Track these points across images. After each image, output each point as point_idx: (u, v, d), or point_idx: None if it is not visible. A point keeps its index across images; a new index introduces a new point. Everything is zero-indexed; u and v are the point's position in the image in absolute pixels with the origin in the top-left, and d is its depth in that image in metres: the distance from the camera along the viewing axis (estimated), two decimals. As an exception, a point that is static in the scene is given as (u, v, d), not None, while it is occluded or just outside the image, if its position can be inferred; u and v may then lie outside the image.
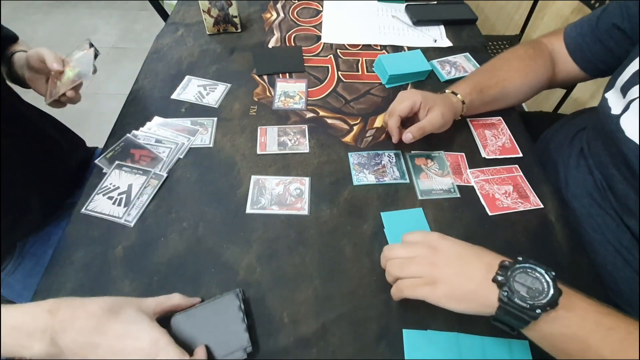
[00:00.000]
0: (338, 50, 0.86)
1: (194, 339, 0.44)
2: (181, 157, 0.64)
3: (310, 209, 0.58)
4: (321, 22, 0.94)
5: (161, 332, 0.40)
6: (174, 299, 0.45)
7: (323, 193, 0.60)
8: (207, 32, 0.88)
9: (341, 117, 0.72)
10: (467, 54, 0.84)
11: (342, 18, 0.95)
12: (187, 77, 0.78)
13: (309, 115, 0.72)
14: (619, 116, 0.54)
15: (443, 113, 0.60)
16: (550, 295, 0.37)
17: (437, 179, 0.62)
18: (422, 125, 0.60)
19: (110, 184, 0.59)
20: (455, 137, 0.68)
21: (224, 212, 0.57)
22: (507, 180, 0.62)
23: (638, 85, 0.52)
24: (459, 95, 0.64)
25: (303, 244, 0.54)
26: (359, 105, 0.74)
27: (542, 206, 0.59)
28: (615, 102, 0.56)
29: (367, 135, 0.69)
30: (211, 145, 0.66)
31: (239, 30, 0.89)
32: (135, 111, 0.71)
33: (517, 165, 0.64)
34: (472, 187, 0.61)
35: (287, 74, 0.80)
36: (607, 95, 0.59)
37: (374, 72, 0.81)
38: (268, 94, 0.76)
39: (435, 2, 0.99)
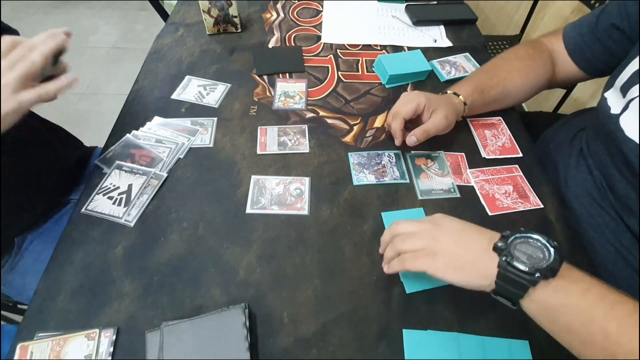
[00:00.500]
0: (338, 50, 0.86)
1: (194, 349, 0.43)
2: (181, 157, 0.64)
3: (310, 209, 0.58)
4: (321, 22, 0.94)
5: None
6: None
7: (323, 193, 0.60)
8: (207, 32, 0.88)
9: (341, 117, 0.72)
10: (467, 54, 0.84)
11: (342, 18, 0.95)
12: (187, 77, 0.78)
13: (309, 115, 0.72)
14: (618, 115, 0.54)
15: (447, 115, 0.60)
16: (551, 260, 0.36)
17: (437, 179, 0.62)
18: (426, 128, 0.60)
19: (110, 184, 0.59)
20: (455, 137, 0.68)
21: (224, 212, 0.57)
22: (507, 180, 0.62)
23: (638, 85, 0.52)
24: (461, 97, 0.64)
25: (303, 244, 0.54)
26: (359, 105, 0.74)
27: (542, 206, 0.59)
28: (614, 101, 0.56)
29: (367, 135, 0.69)
30: (211, 145, 0.66)
31: (239, 30, 0.89)
32: (135, 111, 0.71)
33: (517, 165, 0.64)
34: (472, 187, 0.61)
35: (287, 74, 0.80)
36: (606, 94, 0.59)
37: (374, 72, 0.81)
38: (268, 94, 0.76)
39: (435, 2, 0.99)
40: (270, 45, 0.86)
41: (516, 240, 0.39)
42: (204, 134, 0.67)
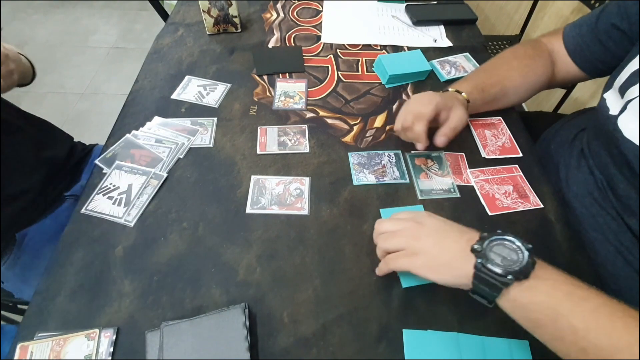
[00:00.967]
0: (338, 50, 0.86)
1: (194, 349, 0.43)
2: (181, 157, 0.64)
3: (310, 209, 0.58)
4: (321, 22, 0.94)
5: None
6: None
7: (323, 193, 0.60)
8: (207, 32, 0.88)
9: (341, 117, 0.72)
10: (467, 54, 0.84)
11: (342, 18, 0.95)
12: (187, 77, 0.78)
13: (309, 115, 0.72)
14: (616, 116, 0.54)
15: (464, 110, 0.60)
16: (524, 264, 0.38)
17: (437, 179, 0.62)
18: (454, 125, 0.59)
19: (110, 184, 0.59)
20: (455, 137, 0.67)
21: (224, 212, 0.57)
22: (507, 180, 0.62)
23: (636, 85, 0.52)
24: (463, 94, 0.64)
25: (303, 244, 0.54)
26: (359, 105, 0.74)
27: (542, 206, 0.59)
28: (613, 102, 0.56)
29: (367, 135, 0.69)
30: (211, 145, 0.66)
31: (239, 30, 0.89)
32: (135, 111, 0.71)
33: (517, 165, 0.64)
34: (472, 187, 0.61)
35: (287, 74, 0.80)
36: (605, 95, 0.59)
37: (374, 72, 0.81)
38: (268, 94, 0.76)
39: (435, 2, 0.99)
40: (270, 45, 0.86)
41: (492, 242, 0.40)
42: (204, 134, 0.67)
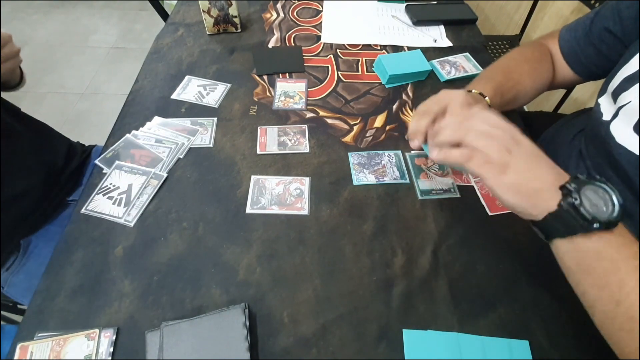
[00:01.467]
0: (338, 50, 0.86)
1: (194, 349, 0.43)
2: (181, 157, 0.64)
3: (310, 209, 0.58)
4: (321, 22, 0.94)
5: None
6: None
7: (323, 193, 0.60)
8: (207, 32, 0.88)
9: (341, 117, 0.72)
10: (467, 54, 0.84)
11: (342, 18, 0.95)
12: (187, 77, 0.78)
13: (309, 115, 0.72)
14: (609, 122, 0.54)
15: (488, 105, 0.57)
16: (614, 216, 0.36)
17: (437, 179, 0.62)
18: None
19: (110, 184, 0.59)
20: (455, 137, 0.68)
21: (224, 212, 0.57)
22: (507, 180, 0.62)
23: (628, 91, 0.52)
24: (487, 99, 0.60)
25: (303, 244, 0.54)
26: (359, 105, 0.74)
27: (542, 206, 0.59)
28: (606, 107, 0.57)
29: (367, 135, 0.69)
30: (211, 145, 0.66)
31: (239, 30, 0.89)
32: (135, 111, 0.71)
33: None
34: (472, 187, 0.61)
35: (287, 74, 0.80)
36: (600, 100, 0.59)
37: (374, 72, 0.81)
38: (268, 94, 0.76)
39: (435, 2, 0.99)
40: (270, 45, 0.86)
41: (587, 185, 0.38)
42: (204, 134, 0.67)
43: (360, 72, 0.81)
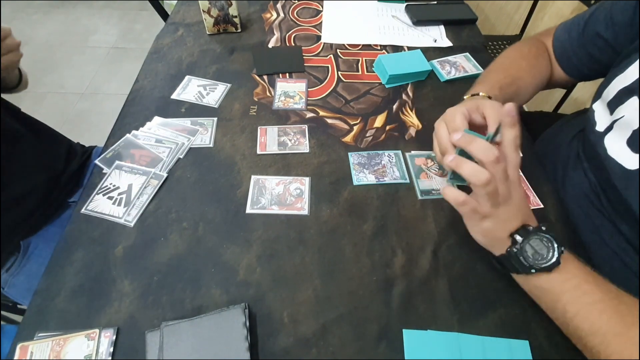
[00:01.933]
0: (338, 50, 0.86)
1: (194, 349, 0.43)
2: (181, 157, 0.64)
3: (310, 209, 0.58)
4: (321, 22, 0.94)
5: None
6: None
7: (323, 193, 0.60)
8: (207, 32, 0.88)
9: (341, 117, 0.72)
10: (467, 54, 0.84)
11: (342, 18, 0.95)
12: (187, 77, 0.78)
13: (309, 115, 0.72)
14: (602, 134, 0.55)
15: (492, 101, 0.56)
16: (550, 263, 0.42)
17: (437, 179, 0.62)
18: (495, 117, 0.51)
19: (110, 184, 0.59)
20: (455, 137, 0.67)
21: (224, 212, 0.57)
22: (507, 180, 0.62)
23: (624, 105, 0.53)
24: (481, 93, 0.60)
25: (303, 244, 0.54)
26: (359, 105, 0.74)
27: (542, 206, 0.59)
28: (601, 116, 0.57)
29: (367, 135, 0.69)
30: (211, 145, 0.66)
31: (239, 30, 0.89)
32: (135, 111, 0.71)
33: (517, 165, 0.64)
34: (472, 187, 0.61)
35: (287, 74, 0.80)
36: (594, 106, 0.59)
37: (374, 72, 0.81)
38: (268, 94, 0.76)
39: (435, 2, 0.99)
40: (270, 45, 0.86)
41: (531, 236, 0.44)
42: (204, 134, 0.67)
43: (360, 72, 0.81)
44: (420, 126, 0.71)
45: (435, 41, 0.88)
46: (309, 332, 0.46)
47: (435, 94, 0.77)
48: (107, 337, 0.45)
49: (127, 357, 0.44)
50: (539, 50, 0.68)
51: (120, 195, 0.58)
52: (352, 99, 0.76)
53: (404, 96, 0.76)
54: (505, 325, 0.47)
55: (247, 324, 0.45)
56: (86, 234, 0.54)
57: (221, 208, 0.58)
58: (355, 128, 0.70)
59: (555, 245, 0.43)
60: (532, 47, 0.69)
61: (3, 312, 0.81)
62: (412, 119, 0.72)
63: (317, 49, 0.86)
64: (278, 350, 0.45)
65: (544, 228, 0.44)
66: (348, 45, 0.88)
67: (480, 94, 0.61)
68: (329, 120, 0.71)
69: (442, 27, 0.93)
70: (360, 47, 0.87)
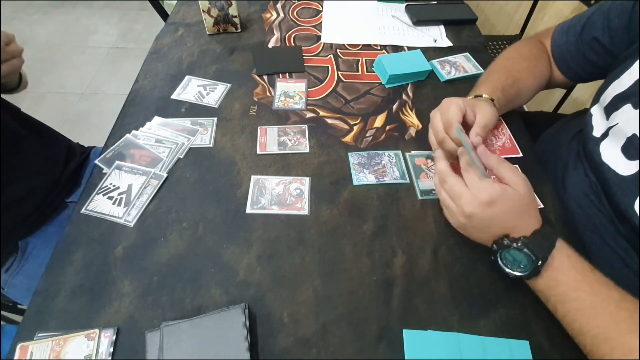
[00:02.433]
0: (338, 50, 0.86)
1: (194, 349, 0.43)
2: (181, 157, 0.64)
3: (310, 209, 0.58)
4: (321, 22, 0.94)
5: None
6: None
7: (323, 193, 0.60)
8: (207, 32, 0.88)
9: (341, 117, 0.72)
10: (467, 54, 0.84)
11: (342, 18, 0.95)
12: (187, 77, 0.78)
13: (309, 115, 0.72)
14: (599, 139, 0.56)
15: (490, 107, 0.58)
16: (526, 273, 0.46)
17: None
18: (483, 123, 0.56)
19: (110, 184, 0.59)
20: (455, 137, 0.68)
21: (224, 212, 0.57)
22: (507, 180, 0.62)
23: (619, 111, 0.53)
24: (484, 95, 0.61)
25: (303, 244, 0.54)
26: (359, 105, 0.74)
27: (542, 206, 0.59)
28: (598, 121, 0.57)
29: (367, 135, 0.69)
30: (211, 145, 0.66)
31: (239, 30, 0.89)
32: (135, 111, 0.71)
33: (517, 165, 0.64)
34: (472, 187, 0.61)
35: (287, 74, 0.80)
36: (592, 110, 0.60)
37: (374, 72, 0.81)
38: (268, 94, 0.76)
39: (435, 2, 0.99)
40: (270, 45, 0.86)
41: (512, 248, 0.46)
42: (204, 134, 0.67)
43: (360, 72, 0.81)
44: (420, 126, 0.71)
45: (435, 41, 0.88)
46: (309, 332, 0.46)
47: (435, 94, 0.77)
48: (107, 337, 0.45)
49: (127, 357, 0.44)
50: (539, 52, 0.69)
51: (120, 195, 0.58)
52: (352, 99, 0.76)
53: (404, 96, 0.76)
54: (505, 325, 0.47)
55: (247, 324, 0.45)
56: (86, 234, 0.54)
57: (221, 208, 0.58)
58: (355, 128, 0.70)
59: (533, 258, 0.45)
60: (532, 47, 0.69)
61: (3, 312, 0.81)
62: (412, 119, 0.72)
63: (317, 49, 0.86)
64: (278, 350, 0.45)
65: (518, 244, 0.45)
66: (348, 45, 0.88)
67: (484, 95, 0.62)
68: (329, 120, 0.71)
69: (442, 27, 0.93)
70: (360, 47, 0.87)
